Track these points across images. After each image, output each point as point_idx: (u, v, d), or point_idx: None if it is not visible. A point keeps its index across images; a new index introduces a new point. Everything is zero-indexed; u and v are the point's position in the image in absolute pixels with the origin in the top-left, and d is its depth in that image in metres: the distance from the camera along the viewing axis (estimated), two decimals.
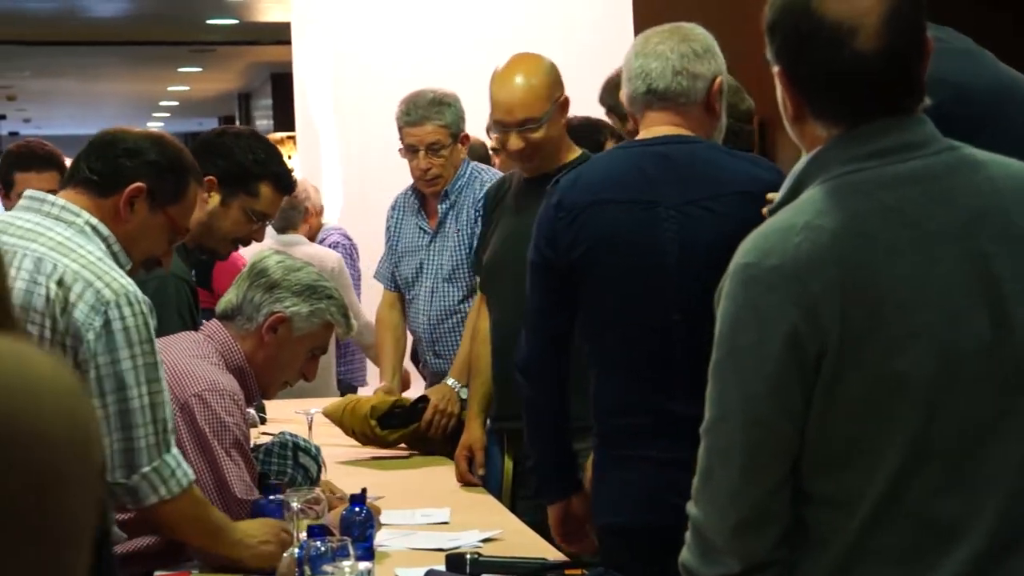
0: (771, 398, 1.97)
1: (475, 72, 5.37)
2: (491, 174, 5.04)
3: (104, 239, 3.08)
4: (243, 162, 3.94)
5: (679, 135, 3.26)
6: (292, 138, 15.22)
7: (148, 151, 3.13)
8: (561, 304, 3.35)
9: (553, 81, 4.19)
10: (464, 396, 4.70)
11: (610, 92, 4.64)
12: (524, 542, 3.56)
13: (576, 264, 3.27)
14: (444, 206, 5.02)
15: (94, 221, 3.07)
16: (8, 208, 4.63)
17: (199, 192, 3.26)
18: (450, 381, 4.78)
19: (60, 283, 2.97)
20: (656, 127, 3.27)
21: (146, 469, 3.03)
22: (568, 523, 3.48)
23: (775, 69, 2.10)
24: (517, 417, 4.00)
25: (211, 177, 3.87)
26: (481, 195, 4.78)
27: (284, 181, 4.07)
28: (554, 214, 3.30)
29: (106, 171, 3.11)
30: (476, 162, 5.16)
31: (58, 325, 2.97)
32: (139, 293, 3.02)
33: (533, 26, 7.64)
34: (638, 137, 3.31)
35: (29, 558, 1.00)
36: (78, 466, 1.02)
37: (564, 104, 4.21)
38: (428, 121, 4.95)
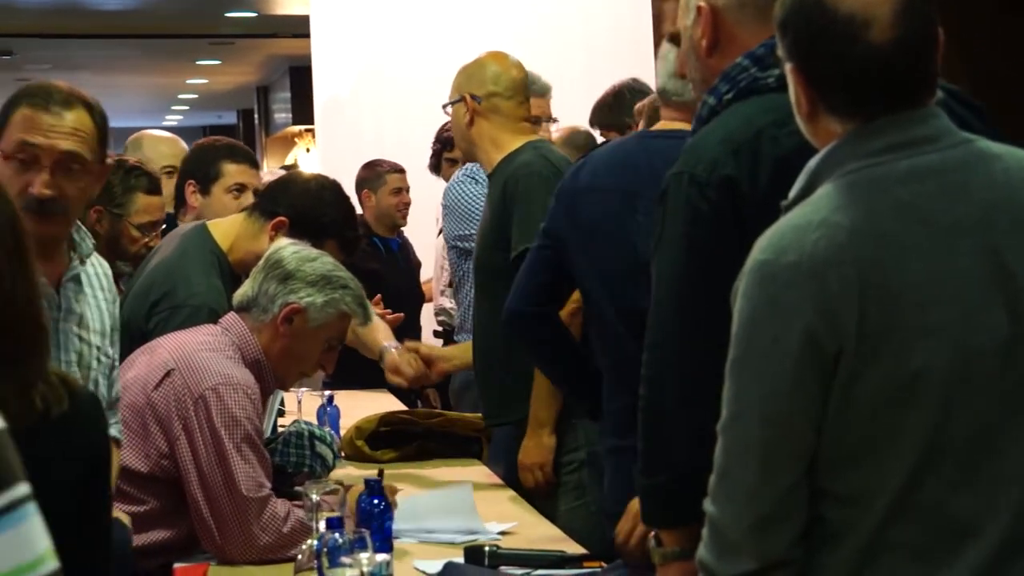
0: (788, 396, 1.96)
1: None
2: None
3: None
4: (319, 216, 3.92)
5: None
6: (311, 131, 15.23)
7: None
8: None
9: (467, 78, 4.27)
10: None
11: (607, 111, 4.66)
12: (542, 534, 3.56)
13: None
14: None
15: None
16: (203, 209, 4.52)
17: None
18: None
19: None
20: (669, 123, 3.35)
21: None
22: None
23: (787, 66, 2.09)
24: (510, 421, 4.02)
25: (283, 218, 3.88)
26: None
27: (350, 246, 4.05)
28: None
29: None
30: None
31: None
32: None
33: (552, 20, 7.64)
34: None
35: None
36: None
37: (473, 106, 4.21)
38: None
